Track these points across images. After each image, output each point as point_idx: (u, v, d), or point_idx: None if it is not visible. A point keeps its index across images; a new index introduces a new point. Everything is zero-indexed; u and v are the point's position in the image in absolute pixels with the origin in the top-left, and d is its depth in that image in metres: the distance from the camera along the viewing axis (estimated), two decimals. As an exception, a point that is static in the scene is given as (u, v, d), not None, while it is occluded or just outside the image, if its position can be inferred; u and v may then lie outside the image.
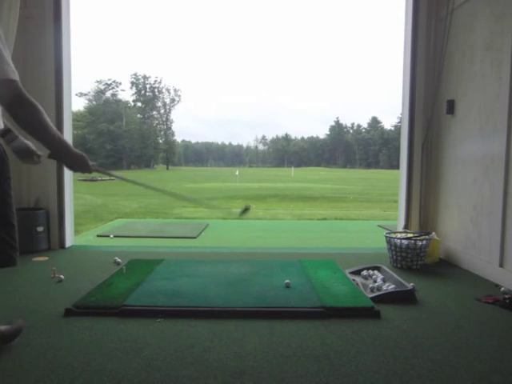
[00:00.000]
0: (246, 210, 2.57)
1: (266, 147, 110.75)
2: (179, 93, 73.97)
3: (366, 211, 10.45)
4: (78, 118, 55.78)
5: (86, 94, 62.88)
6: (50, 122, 1.69)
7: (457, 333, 2.19)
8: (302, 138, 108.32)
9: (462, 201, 3.61)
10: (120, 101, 65.20)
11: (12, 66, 1.56)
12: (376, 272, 3.20)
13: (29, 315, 2.37)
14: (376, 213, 10.05)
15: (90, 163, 1.91)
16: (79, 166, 1.89)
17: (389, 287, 2.80)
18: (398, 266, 3.52)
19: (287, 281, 2.85)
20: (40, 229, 4.02)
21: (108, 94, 65.23)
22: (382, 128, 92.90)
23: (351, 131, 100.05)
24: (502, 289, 2.87)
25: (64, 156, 1.84)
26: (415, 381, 1.71)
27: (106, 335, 2.13)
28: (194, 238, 5.18)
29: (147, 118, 70.17)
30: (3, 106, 1.62)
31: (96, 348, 1.98)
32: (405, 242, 3.48)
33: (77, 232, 5.08)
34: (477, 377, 1.74)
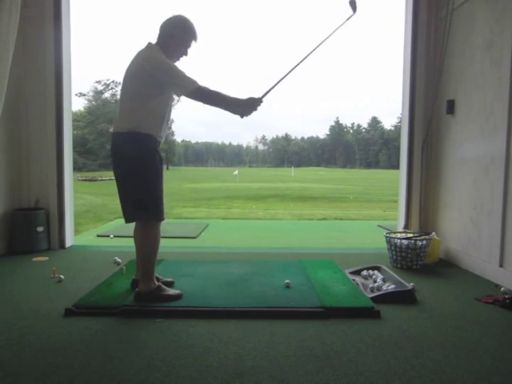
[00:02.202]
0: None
1: (266, 147, 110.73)
2: (179, 92, 73.93)
3: (365, 211, 10.45)
4: (77, 118, 55.76)
5: (85, 95, 62.85)
6: (223, 93, 2.52)
7: (457, 333, 2.19)
8: (302, 138, 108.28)
9: (462, 201, 3.61)
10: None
11: (190, 77, 2.48)
12: (376, 272, 3.20)
13: (29, 315, 2.38)
14: (376, 213, 10.04)
15: (256, 98, 2.57)
16: (253, 108, 2.58)
17: (389, 287, 2.80)
18: (398, 266, 3.52)
19: (287, 281, 2.85)
20: (40, 229, 4.02)
21: (107, 94, 65.16)
22: (382, 128, 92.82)
23: (351, 131, 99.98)
24: (502, 289, 2.87)
25: (242, 110, 2.58)
26: (415, 381, 1.71)
27: (106, 335, 2.13)
28: (194, 238, 5.18)
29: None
30: (203, 103, 2.55)
31: (96, 348, 1.98)
32: (405, 242, 3.48)
33: (77, 232, 5.09)
34: (477, 377, 1.74)
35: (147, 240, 2.57)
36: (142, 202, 2.50)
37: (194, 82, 2.46)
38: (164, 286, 2.64)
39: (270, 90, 2.63)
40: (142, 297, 2.55)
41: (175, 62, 2.66)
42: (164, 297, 2.57)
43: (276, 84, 2.64)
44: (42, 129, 4.08)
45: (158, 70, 2.45)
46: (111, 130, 2.63)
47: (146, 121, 2.49)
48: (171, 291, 2.64)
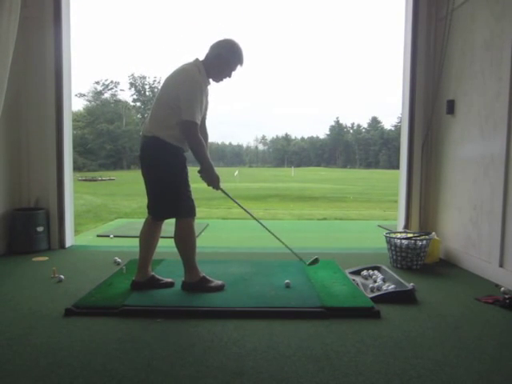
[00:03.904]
0: (315, 260, 2.94)
1: (266, 147, 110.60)
2: (179, 92, 73.72)
3: (365, 211, 10.45)
4: (77, 118, 55.75)
5: (84, 95, 62.84)
6: (207, 150, 2.68)
7: (457, 333, 2.19)
8: (302, 138, 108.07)
9: (462, 201, 3.61)
10: (119, 101, 65.09)
11: (197, 112, 2.56)
12: (376, 272, 3.20)
13: (29, 315, 2.38)
14: (376, 213, 10.04)
15: (220, 184, 2.72)
16: (214, 182, 2.70)
17: (389, 287, 2.80)
18: (398, 266, 3.52)
19: (287, 281, 2.85)
20: (40, 229, 4.02)
21: (107, 94, 65.13)
22: (382, 128, 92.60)
23: (351, 131, 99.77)
24: (502, 289, 2.87)
25: (207, 174, 2.68)
26: (415, 381, 1.71)
27: (106, 335, 2.13)
28: (194, 238, 5.17)
29: (147, 118, 69.92)
30: (184, 135, 2.60)
31: (96, 348, 1.98)
32: (405, 242, 3.48)
33: (77, 232, 5.08)
34: (477, 377, 1.74)
35: (183, 236, 2.73)
36: (168, 202, 2.68)
37: (195, 118, 2.55)
38: (208, 277, 2.78)
39: (228, 196, 2.85)
40: (187, 286, 2.73)
41: (218, 82, 2.76)
42: (207, 288, 2.72)
43: (228, 196, 2.85)
44: (41, 129, 4.08)
45: (182, 83, 2.55)
46: (141, 132, 2.78)
47: (169, 129, 2.60)
48: (214, 282, 2.78)
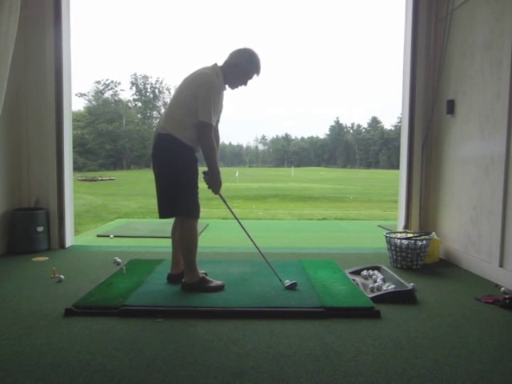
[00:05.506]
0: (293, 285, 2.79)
1: (266, 147, 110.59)
2: (179, 92, 73.56)
3: (365, 211, 10.45)
4: (77, 118, 55.74)
5: (85, 95, 62.85)
6: (217, 155, 2.72)
7: (457, 333, 2.19)
8: (302, 138, 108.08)
9: (462, 201, 3.61)
10: (120, 101, 65.07)
11: (213, 114, 2.62)
12: (376, 272, 3.20)
13: (29, 315, 2.38)
14: (376, 213, 10.04)
15: (219, 183, 2.77)
16: (216, 186, 2.76)
17: (389, 287, 2.80)
18: (398, 266, 3.52)
19: (291, 282, 2.79)
20: (40, 229, 4.02)
21: (108, 94, 65.15)
22: (382, 128, 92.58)
23: (351, 131, 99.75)
24: (502, 289, 2.87)
25: (213, 178, 2.72)
26: (415, 381, 1.71)
27: (105, 335, 2.13)
28: (194, 238, 5.17)
29: (147, 118, 69.97)
30: (199, 136, 2.65)
31: (96, 348, 1.98)
32: (405, 242, 3.48)
33: (77, 232, 5.09)
34: (477, 377, 1.74)
35: (187, 236, 2.74)
36: (178, 201, 2.69)
37: (211, 120, 2.61)
38: (208, 278, 2.80)
39: (225, 202, 2.90)
40: (187, 287, 2.75)
41: (234, 89, 2.83)
42: (206, 288, 2.74)
43: (225, 202, 2.91)
44: (41, 129, 4.08)
45: (201, 86, 2.62)
46: (154, 130, 2.83)
47: (185, 129, 2.65)
48: (213, 282, 2.79)
